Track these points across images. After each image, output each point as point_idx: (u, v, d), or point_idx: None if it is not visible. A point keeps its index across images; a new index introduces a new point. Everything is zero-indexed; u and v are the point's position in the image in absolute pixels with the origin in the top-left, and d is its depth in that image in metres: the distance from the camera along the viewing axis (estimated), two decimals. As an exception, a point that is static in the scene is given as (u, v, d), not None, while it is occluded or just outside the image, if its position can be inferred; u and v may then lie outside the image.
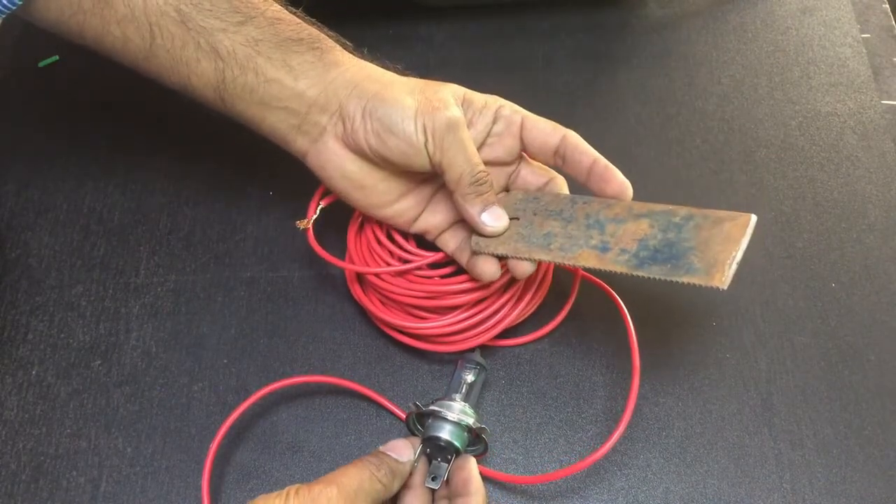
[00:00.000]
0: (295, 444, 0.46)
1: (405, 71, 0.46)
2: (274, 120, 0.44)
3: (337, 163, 0.45)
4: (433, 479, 0.42)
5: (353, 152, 0.44)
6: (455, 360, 0.47)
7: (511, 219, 0.45)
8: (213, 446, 0.43)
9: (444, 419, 0.42)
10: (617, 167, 0.44)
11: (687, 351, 0.49)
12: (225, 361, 0.49)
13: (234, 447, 0.46)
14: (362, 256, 0.49)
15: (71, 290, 0.51)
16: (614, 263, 0.41)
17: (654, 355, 0.48)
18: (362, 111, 0.43)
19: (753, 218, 0.39)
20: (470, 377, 0.46)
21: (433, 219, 0.47)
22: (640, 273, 0.40)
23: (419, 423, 0.44)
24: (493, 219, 0.44)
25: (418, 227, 0.47)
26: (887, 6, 0.64)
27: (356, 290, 0.49)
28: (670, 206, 0.42)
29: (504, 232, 0.44)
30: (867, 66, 0.61)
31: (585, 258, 0.42)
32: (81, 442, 0.46)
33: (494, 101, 0.45)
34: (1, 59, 0.63)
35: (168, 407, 0.47)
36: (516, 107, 0.46)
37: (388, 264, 0.47)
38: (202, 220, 0.54)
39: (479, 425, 0.42)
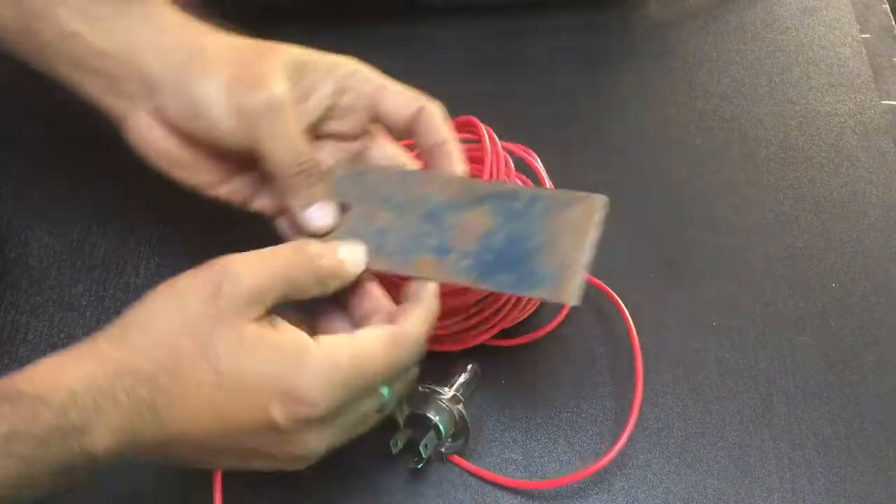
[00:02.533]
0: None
1: (233, 27, 0.41)
2: (88, 84, 0.39)
3: (151, 139, 0.39)
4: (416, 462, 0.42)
5: (166, 128, 0.39)
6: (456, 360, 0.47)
7: (341, 205, 0.40)
8: None
9: (436, 401, 0.42)
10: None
11: (687, 351, 0.49)
12: (225, 361, 0.49)
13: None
14: None
15: (71, 290, 0.51)
16: (455, 274, 0.36)
17: (654, 355, 0.48)
18: (171, 85, 0.38)
19: (602, 200, 0.36)
20: (463, 377, 0.46)
21: (271, 198, 0.42)
22: (485, 287, 0.37)
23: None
24: (319, 216, 0.39)
25: (256, 206, 0.42)
26: (887, 6, 0.65)
27: None
28: (512, 187, 0.39)
29: (331, 229, 0.39)
30: (867, 66, 0.61)
31: (423, 267, 0.37)
32: (81, 442, 0.46)
33: (344, 66, 0.39)
34: (1, 58, 0.62)
35: (168, 407, 0.47)
36: (374, 74, 0.40)
37: None
38: (202, 219, 0.54)
39: (465, 416, 0.42)
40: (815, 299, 0.51)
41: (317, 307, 0.39)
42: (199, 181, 0.41)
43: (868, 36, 0.63)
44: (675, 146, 0.57)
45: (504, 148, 0.46)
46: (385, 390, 0.36)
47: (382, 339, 0.35)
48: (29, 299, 0.51)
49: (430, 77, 0.45)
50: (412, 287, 0.37)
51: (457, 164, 0.39)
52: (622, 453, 0.45)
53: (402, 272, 0.38)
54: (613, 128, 0.59)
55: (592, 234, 0.35)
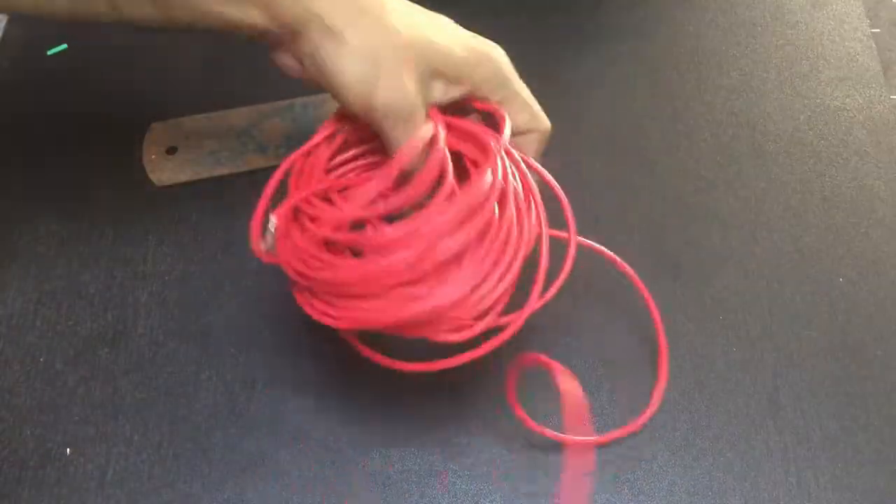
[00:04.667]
0: (301, 432, 0.46)
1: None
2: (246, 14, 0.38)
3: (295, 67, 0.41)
4: None
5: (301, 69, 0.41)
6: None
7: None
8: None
9: None
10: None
11: (693, 344, 0.49)
12: (232, 351, 0.49)
13: (240, 435, 0.46)
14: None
15: (79, 278, 0.51)
16: (276, 157, 0.53)
17: (659, 347, 0.48)
18: (310, 53, 0.39)
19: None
20: None
21: None
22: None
23: None
24: None
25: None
26: (898, 1, 0.64)
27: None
28: (290, 101, 0.56)
29: None
30: (877, 60, 0.61)
31: (253, 161, 0.54)
32: (89, 429, 0.47)
33: (480, 72, 0.42)
34: (9, 47, 0.63)
35: (175, 395, 0.48)
36: (507, 79, 0.43)
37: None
38: (210, 208, 0.54)
39: None
40: (822, 294, 0.50)
41: None
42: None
43: (878, 30, 0.63)
44: (683, 140, 0.57)
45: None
46: None
47: None
48: (37, 287, 0.51)
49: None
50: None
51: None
52: (628, 446, 0.45)
53: (237, 170, 0.54)
54: (621, 122, 0.59)
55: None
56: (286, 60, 0.41)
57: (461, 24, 0.44)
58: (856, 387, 0.47)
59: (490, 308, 0.38)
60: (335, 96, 0.40)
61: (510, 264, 0.38)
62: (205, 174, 0.54)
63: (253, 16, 0.38)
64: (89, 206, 0.55)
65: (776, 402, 0.47)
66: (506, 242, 0.38)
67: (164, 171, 0.54)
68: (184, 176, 0.54)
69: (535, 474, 0.45)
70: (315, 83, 0.41)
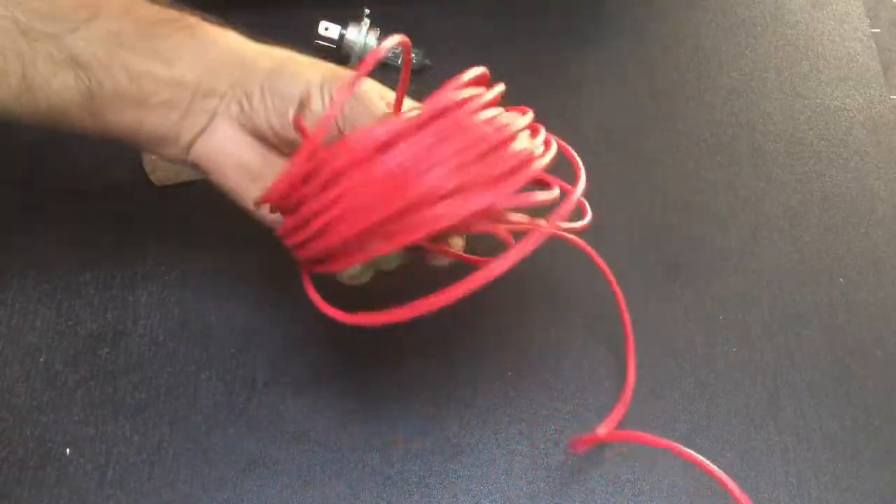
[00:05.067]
0: (301, 432, 0.46)
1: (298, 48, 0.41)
2: (154, 120, 0.38)
3: (231, 150, 0.39)
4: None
5: (251, 136, 0.39)
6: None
7: None
8: None
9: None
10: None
11: (693, 344, 0.49)
12: (232, 351, 0.49)
13: (240, 435, 0.46)
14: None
15: (79, 278, 0.51)
16: None
17: (660, 349, 0.48)
18: (260, 89, 0.38)
19: None
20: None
21: None
22: None
23: None
24: None
25: None
26: (898, 1, 0.64)
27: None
28: None
29: None
30: (877, 60, 0.61)
31: None
32: (89, 429, 0.47)
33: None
34: None
35: (175, 395, 0.48)
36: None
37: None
38: (210, 208, 0.54)
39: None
40: (822, 294, 0.50)
41: None
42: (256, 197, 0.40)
43: (878, 30, 0.63)
44: (683, 140, 0.57)
45: None
46: None
47: None
48: (37, 286, 0.51)
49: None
50: None
51: None
52: (628, 446, 0.45)
53: None
54: (621, 121, 0.59)
55: None
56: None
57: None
58: (856, 387, 0.47)
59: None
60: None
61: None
62: (205, 174, 0.54)
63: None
64: (89, 206, 0.55)
65: (776, 402, 0.47)
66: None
67: (164, 171, 0.54)
68: (184, 176, 0.54)
69: (536, 475, 0.45)
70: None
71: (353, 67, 0.56)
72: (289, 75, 0.38)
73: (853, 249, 0.52)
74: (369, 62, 0.32)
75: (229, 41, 0.39)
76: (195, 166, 0.41)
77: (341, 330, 0.50)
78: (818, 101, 0.59)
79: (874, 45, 0.62)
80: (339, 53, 0.56)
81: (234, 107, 0.39)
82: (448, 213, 0.32)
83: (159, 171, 0.54)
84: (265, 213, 0.40)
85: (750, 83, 0.60)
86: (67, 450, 0.46)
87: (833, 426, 0.46)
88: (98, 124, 0.38)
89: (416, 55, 0.56)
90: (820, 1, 0.64)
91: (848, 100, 0.59)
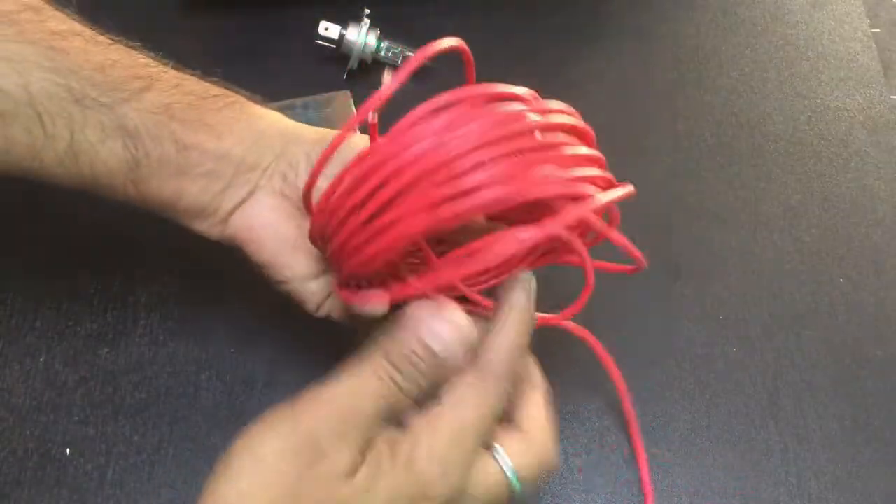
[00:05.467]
0: (301, 433, 0.46)
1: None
2: (195, 191, 0.38)
3: (269, 220, 0.39)
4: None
5: (292, 207, 0.39)
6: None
7: None
8: None
9: None
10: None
11: (694, 344, 0.49)
12: (232, 351, 0.49)
13: (237, 433, 0.46)
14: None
15: (79, 278, 0.51)
16: None
17: (660, 348, 0.48)
18: (307, 156, 0.38)
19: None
20: None
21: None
22: None
23: None
24: None
25: (325, 309, 0.41)
26: (898, 1, 0.64)
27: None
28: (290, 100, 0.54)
29: None
30: (877, 60, 0.61)
31: None
32: (89, 429, 0.47)
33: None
34: None
35: (175, 395, 0.48)
36: None
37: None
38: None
39: None
40: (822, 294, 0.50)
41: None
42: (300, 270, 0.40)
43: (878, 30, 0.63)
44: (683, 140, 0.57)
45: None
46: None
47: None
48: (37, 288, 0.51)
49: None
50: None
51: None
52: (628, 446, 0.45)
53: None
54: (622, 121, 0.59)
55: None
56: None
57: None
58: (856, 387, 0.47)
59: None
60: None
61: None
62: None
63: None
64: (89, 206, 0.54)
65: (776, 402, 0.47)
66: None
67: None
68: None
69: (536, 474, 0.45)
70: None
71: (352, 67, 0.56)
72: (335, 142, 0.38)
73: (853, 249, 0.52)
74: (351, 124, 0.31)
75: (274, 117, 0.40)
76: (231, 240, 0.41)
77: (342, 330, 0.50)
78: (818, 100, 0.59)
79: (874, 45, 0.62)
80: (338, 53, 0.56)
81: (276, 178, 0.39)
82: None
83: None
84: (302, 284, 0.40)
85: (750, 83, 0.60)
86: (67, 450, 0.46)
87: (833, 426, 0.46)
88: (139, 192, 0.39)
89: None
90: (820, 1, 0.64)
91: (848, 100, 0.59)
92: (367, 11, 0.56)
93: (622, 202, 0.36)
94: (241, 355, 0.49)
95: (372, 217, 0.31)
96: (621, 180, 0.52)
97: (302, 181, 0.38)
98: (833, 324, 0.49)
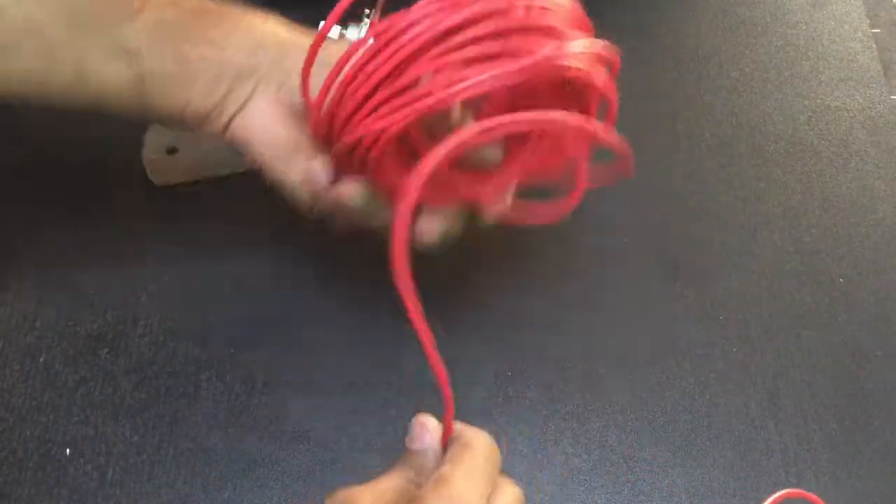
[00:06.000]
0: (301, 432, 0.46)
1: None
2: (199, 99, 0.41)
3: (269, 123, 0.42)
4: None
5: (289, 111, 0.41)
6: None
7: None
8: None
9: None
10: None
11: (694, 344, 0.49)
12: (232, 351, 0.49)
13: (240, 435, 0.46)
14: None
15: (79, 278, 0.51)
16: None
17: (661, 348, 0.48)
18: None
19: None
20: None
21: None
22: None
23: None
24: None
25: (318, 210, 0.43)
26: (898, 1, 0.64)
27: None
28: None
29: None
30: (877, 60, 0.61)
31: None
32: (88, 430, 0.46)
33: None
34: None
35: (175, 395, 0.47)
36: None
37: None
38: (210, 208, 0.54)
39: None
40: (822, 294, 0.50)
41: None
42: (297, 170, 0.42)
43: (878, 30, 0.63)
44: (683, 140, 0.57)
45: None
46: None
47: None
48: (37, 287, 0.51)
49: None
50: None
51: None
52: (628, 446, 0.45)
53: (237, 170, 0.53)
54: (621, 120, 0.58)
55: None
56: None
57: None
58: (856, 387, 0.47)
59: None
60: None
61: None
62: (205, 174, 0.54)
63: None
64: (89, 206, 0.55)
65: (777, 402, 0.47)
66: None
67: (164, 171, 0.54)
68: (184, 176, 0.54)
69: (536, 475, 0.45)
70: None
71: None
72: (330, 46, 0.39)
73: (853, 249, 0.52)
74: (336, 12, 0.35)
75: (270, 26, 0.42)
76: (233, 141, 0.42)
77: (341, 330, 0.50)
78: (818, 101, 0.59)
79: (874, 46, 0.62)
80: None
81: (273, 84, 0.41)
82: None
83: (159, 172, 0.54)
84: (303, 177, 0.42)
85: (750, 83, 0.60)
86: (67, 450, 0.46)
87: (833, 426, 0.46)
88: (145, 105, 0.41)
89: None
90: (820, 1, 0.64)
91: (848, 100, 0.59)
92: (367, 12, 0.56)
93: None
94: (241, 355, 0.49)
95: (377, 86, 0.36)
96: (621, 180, 0.52)
97: (297, 85, 0.40)
98: (833, 324, 0.49)
